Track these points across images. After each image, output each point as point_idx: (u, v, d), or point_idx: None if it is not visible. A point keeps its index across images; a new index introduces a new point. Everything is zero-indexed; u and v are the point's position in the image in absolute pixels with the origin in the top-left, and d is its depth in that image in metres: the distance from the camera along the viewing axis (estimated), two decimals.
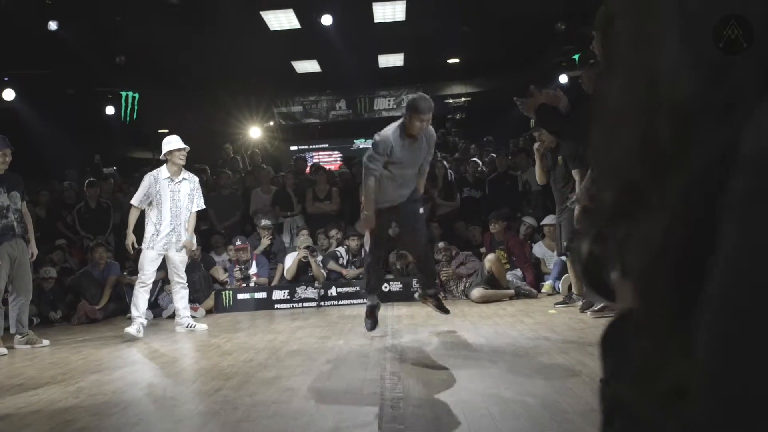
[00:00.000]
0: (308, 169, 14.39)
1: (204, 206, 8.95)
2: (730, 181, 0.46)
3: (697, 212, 0.49)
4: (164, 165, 8.46)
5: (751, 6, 0.49)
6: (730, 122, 0.47)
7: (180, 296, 8.61)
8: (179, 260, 8.55)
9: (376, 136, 6.47)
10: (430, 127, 6.69)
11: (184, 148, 8.43)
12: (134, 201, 8.43)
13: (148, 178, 8.44)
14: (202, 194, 8.81)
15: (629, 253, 0.58)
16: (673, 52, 0.53)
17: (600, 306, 7.51)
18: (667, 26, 0.54)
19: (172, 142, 8.39)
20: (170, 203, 8.34)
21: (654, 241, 0.53)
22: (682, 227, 0.51)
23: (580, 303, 7.92)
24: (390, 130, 6.46)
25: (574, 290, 8.37)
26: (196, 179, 8.75)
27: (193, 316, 9.75)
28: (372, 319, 6.98)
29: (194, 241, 8.96)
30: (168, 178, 8.42)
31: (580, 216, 6.05)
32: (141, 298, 8.29)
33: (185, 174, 8.57)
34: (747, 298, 0.43)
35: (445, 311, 7.01)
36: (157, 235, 8.34)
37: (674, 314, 0.51)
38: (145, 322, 8.33)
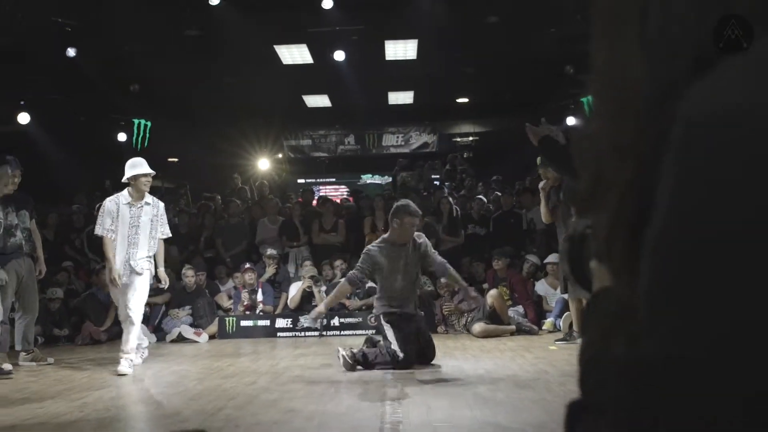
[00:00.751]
0: (315, 201, 14.52)
1: (170, 234, 8.01)
2: (669, 138, 0.58)
3: (644, 188, 0.62)
4: (125, 189, 7.56)
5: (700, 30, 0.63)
6: (669, 108, 0.61)
7: (127, 331, 7.29)
8: (138, 290, 7.39)
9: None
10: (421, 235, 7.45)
11: (149, 174, 7.59)
12: (100, 231, 7.45)
13: (109, 204, 7.49)
14: (167, 221, 7.94)
15: (599, 225, 0.70)
16: (638, 68, 0.67)
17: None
18: (635, 47, 0.68)
19: (137, 166, 7.55)
20: (128, 230, 7.42)
21: (616, 210, 0.66)
22: (634, 194, 0.64)
23: (580, 341, 7.96)
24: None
25: (575, 327, 8.43)
26: (161, 205, 7.88)
27: (195, 341, 9.84)
28: None
29: (164, 272, 7.92)
30: (128, 203, 7.51)
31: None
32: (127, 332, 7.28)
33: (148, 198, 7.66)
34: (677, 231, 0.55)
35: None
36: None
37: (629, 264, 0.64)
38: (134, 357, 7.37)
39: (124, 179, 7.56)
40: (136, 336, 7.31)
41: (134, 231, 7.45)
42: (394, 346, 6.81)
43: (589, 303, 0.84)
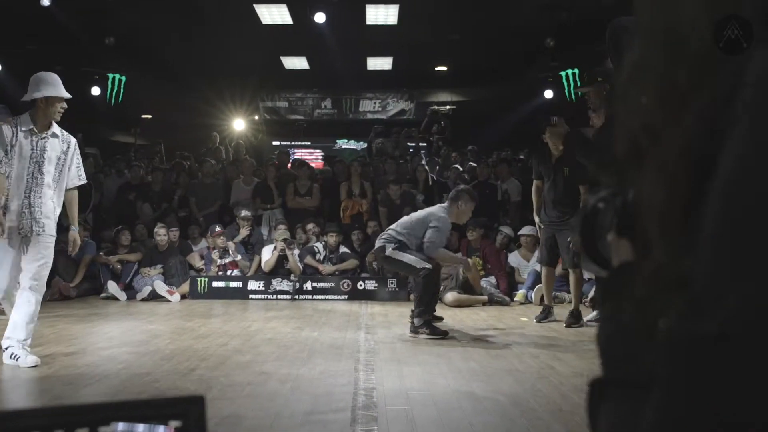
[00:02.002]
0: (289, 164, 14.44)
1: (86, 180, 6.10)
2: (736, 101, 0.55)
3: (705, 141, 0.59)
4: (26, 113, 5.62)
5: None
6: (736, 62, 0.58)
7: (25, 305, 5.37)
8: (44, 256, 5.54)
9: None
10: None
11: (65, 98, 5.71)
12: None
13: (5, 128, 5.49)
14: (82, 163, 5.98)
15: (647, 184, 0.67)
16: (693, 10, 0.64)
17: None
18: None
19: (50, 86, 5.65)
20: (27, 166, 5.48)
21: (671, 168, 0.63)
22: (693, 153, 0.61)
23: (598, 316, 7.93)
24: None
25: (546, 300, 8.29)
26: (73, 140, 5.88)
27: (168, 301, 9.79)
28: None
29: (77, 234, 6.03)
30: (29, 129, 5.55)
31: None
32: (24, 312, 5.37)
33: (56, 129, 5.71)
34: (748, 195, 0.52)
35: (440, 334, 6.85)
36: (5, 212, 5.46)
37: (684, 226, 0.61)
38: (18, 350, 5.34)
39: (27, 98, 5.64)
40: (29, 316, 5.37)
41: (36, 168, 5.51)
42: (417, 264, 6.85)
43: (611, 277, 0.82)
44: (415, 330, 6.81)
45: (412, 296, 9.87)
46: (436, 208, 7.27)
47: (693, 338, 0.53)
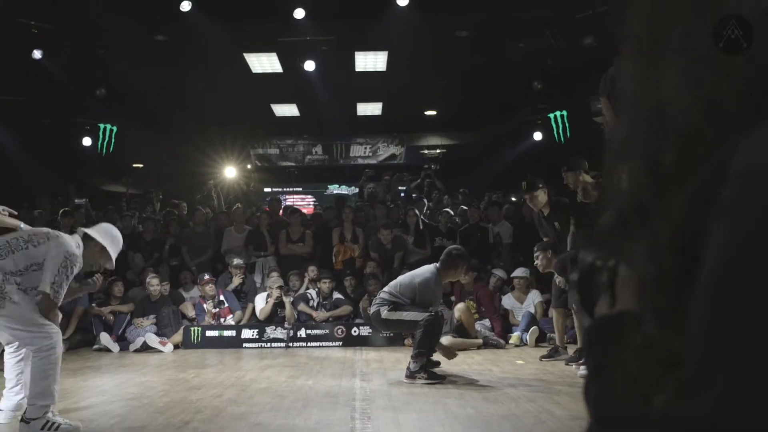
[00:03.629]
0: (281, 211, 14.47)
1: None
2: (720, 193, 0.57)
3: (693, 223, 0.61)
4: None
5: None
6: (722, 147, 0.59)
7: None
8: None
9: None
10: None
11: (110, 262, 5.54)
12: None
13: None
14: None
15: (637, 259, 0.69)
16: (677, 91, 0.66)
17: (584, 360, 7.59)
18: (672, 69, 0.67)
19: (116, 246, 5.52)
20: None
21: (661, 247, 0.64)
22: (681, 234, 0.63)
23: (564, 356, 8.03)
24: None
25: (558, 342, 8.42)
26: None
27: (161, 351, 9.72)
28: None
29: None
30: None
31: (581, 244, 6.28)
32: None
33: None
34: (733, 282, 0.54)
35: (438, 379, 6.90)
36: None
37: (673, 305, 0.62)
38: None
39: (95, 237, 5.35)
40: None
41: None
42: (417, 317, 6.92)
43: (598, 330, 0.83)
44: (411, 375, 6.78)
45: (407, 341, 9.89)
46: (429, 272, 7.34)
47: (684, 422, 0.54)
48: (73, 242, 5.12)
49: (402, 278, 7.44)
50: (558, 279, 8.13)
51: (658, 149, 0.66)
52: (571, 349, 8.27)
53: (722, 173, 0.57)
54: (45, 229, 5.27)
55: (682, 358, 0.57)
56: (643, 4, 0.72)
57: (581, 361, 7.54)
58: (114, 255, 5.47)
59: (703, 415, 0.53)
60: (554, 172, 8.26)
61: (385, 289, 7.36)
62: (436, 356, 7.36)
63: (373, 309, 7.26)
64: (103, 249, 5.34)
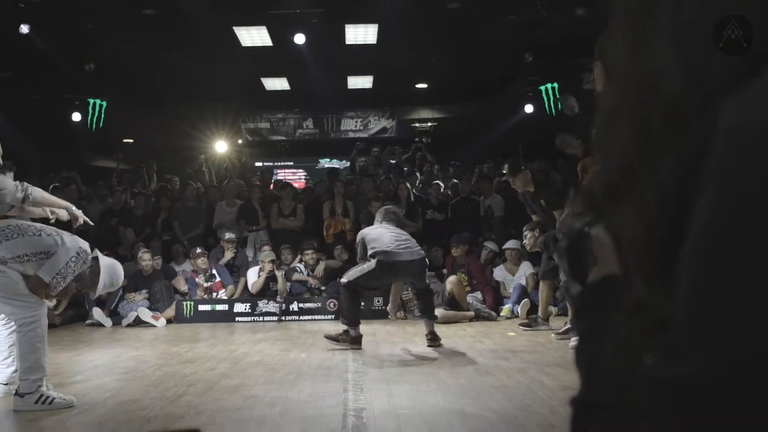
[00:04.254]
0: (272, 185, 14.46)
1: None
2: (708, 154, 0.58)
3: (681, 187, 0.61)
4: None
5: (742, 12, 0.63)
6: (710, 113, 0.60)
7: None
8: None
9: None
10: None
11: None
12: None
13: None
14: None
15: (625, 223, 0.70)
16: (666, 58, 0.66)
17: (564, 329, 7.76)
18: (662, 37, 0.68)
19: (117, 280, 5.56)
20: None
21: (649, 211, 0.65)
22: (669, 199, 0.63)
23: (543, 327, 8.13)
24: None
25: (540, 314, 8.55)
26: None
27: (153, 326, 9.75)
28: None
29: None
30: None
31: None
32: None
33: None
34: (720, 245, 0.55)
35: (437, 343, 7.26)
36: None
37: (661, 268, 0.63)
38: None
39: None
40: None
41: None
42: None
43: (589, 295, 0.84)
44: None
45: (399, 314, 9.95)
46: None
47: (673, 379, 0.55)
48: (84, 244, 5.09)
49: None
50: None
51: (646, 114, 0.67)
52: (555, 323, 8.38)
53: (709, 137, 0.58)
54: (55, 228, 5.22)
55: (670, 320, 0.58)
56: None
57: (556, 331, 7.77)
58: (101, 289, 5.39)
59: (690, 373, 0.54)
60: (546, 145, 8.30)
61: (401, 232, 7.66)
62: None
63: (418, 252, 7.49)
64: (97, 276, 5.26)
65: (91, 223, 5.47)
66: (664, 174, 0.64)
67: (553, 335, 7.84)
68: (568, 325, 7.86)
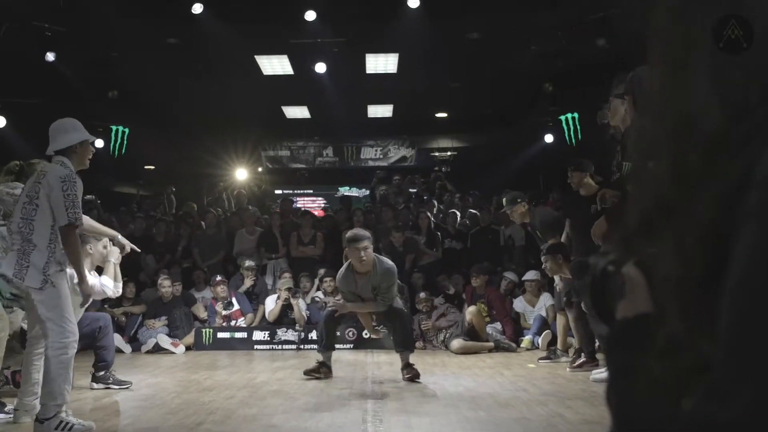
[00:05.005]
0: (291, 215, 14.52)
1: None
2: (746, 197, 0.57)
3: (718, 224, 0.61)
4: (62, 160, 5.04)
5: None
6: (748, 151, 0.60)
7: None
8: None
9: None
10: (385, 259, 7.37)
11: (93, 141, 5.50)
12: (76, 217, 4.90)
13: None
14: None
15: (660, 258, 0.69)
16: (703, 95, 0.66)
17: (579, 362, 7.69)
18: (701, 73, 0.68)
19: (81, 131, 5.23)
20: None
21: (685, 247, 0.65)
22: (707, 235, 0.63)
23: (563, 359, 8.04)
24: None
25: (559, 346, 8.49)
26: None
27: (172, 353, 9.76)
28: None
29: None
30: None
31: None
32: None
33: None
34: (761, 286, 0.54)
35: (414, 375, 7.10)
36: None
37: (698, 305, 0.63)
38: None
39: (67, 145, 5.08)
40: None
41: None
42: None
43: (620, 333, 0.83)
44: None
45: (418, 344, 9.91)
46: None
47: (713, 422, 0.55)
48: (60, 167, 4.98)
49: None
50: (557, 283, 8.24)
51: (683, 150, 0.67)
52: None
53: (748, 177, 0.58)
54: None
55: (710, 361, 0.57)
56: (671, 13, 0.73)
57: (571, 363, 7.70)
58: (84, 135, 5.20)
59: (732, 418, 0.53)
60: (566, 175, 8.28)
61: None
62: (447, 358, 7.41)
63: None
64: (82, 145, 5.16)
65: (138, 249, 5.56)
66: (702, 210, 0.63)
67: (567, 368, 7.78)
68: (582, 359, 7.83)
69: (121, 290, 6.74)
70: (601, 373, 6.79)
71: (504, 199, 8.67)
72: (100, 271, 6.58)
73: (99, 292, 6.47)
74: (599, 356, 7.79)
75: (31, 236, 4.82)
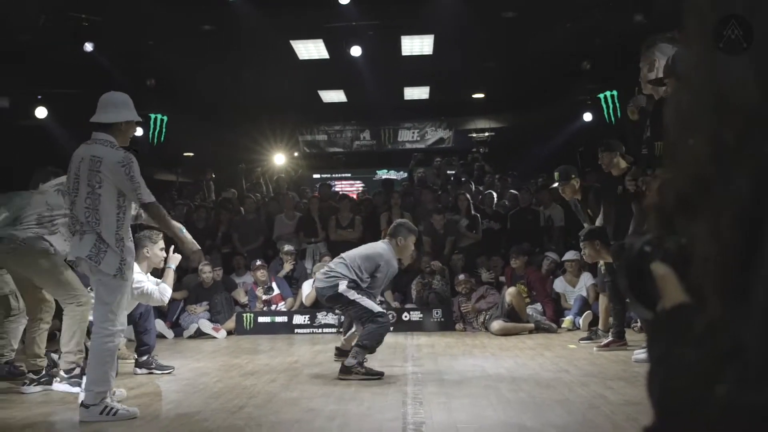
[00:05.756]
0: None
1: None
2: None
3: (756, 203, 0.59)
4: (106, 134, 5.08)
5: None
6: None
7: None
8: None
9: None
10: None
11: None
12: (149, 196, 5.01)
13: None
14: None
15: (698, 238, 0.67)
16: (742, 71, 0.64)
17: (607, 341, 7.67)
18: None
19: (130, 109, 5.28)
20: None
21: (723, 226, 0.62)
22: (744, 214, 0.60)
23: (604, 340, 7.95)
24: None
25: (601, 326, 8.41)
26: None
27: (214, 337, 9.86)
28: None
29: None
30: None
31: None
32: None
33: None
34: None
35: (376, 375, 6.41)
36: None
37: (736, 286, 0.60)
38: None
39: (116, 120, 5.11)
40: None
41: None
42: (373, 308, 6.48)
43: (660, 320, 0.81)
44: (347, 370, 6.34)
45: (458, 326, 9.89)
46: (383, 247, 6.80)
47: (749, 406, 0.53)
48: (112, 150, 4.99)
49: (357, 254, 6.80)
50: (601, 264, 8.16)
51: (721, 127, 0.65)
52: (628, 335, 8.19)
53: None
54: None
55: (744, 344, 0.55)
56: None
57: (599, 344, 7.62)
58: (133, 114, 5.23)
59: (765, 402, 0.51)
60: None
61: (339, 261, 6.74)
62: (487, 340, 7.33)
63: (325, 281, 6.61)
64: (128, 123, 5.19)
65: (198, 247, 5.47)
66: (739, 188, 0.61)
67: (595, 349, 7.74)
68: (610, 338, 7.76)
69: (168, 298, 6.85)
70: (642, 353, 6.71)
71: (556, 174, 8.57)
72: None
73: (158, 300, 6.60)
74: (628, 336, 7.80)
75: (99, 227, 4.84)
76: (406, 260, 7.26)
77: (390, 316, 6.83)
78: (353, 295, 6.45)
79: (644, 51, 5.29)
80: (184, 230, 5.35)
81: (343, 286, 6.45)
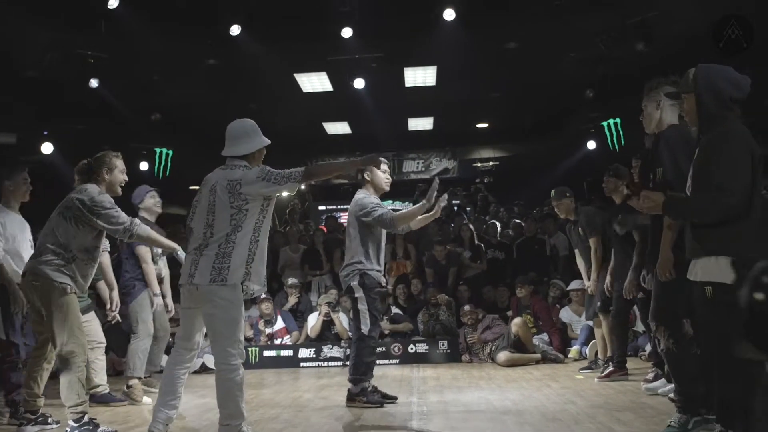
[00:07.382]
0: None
1: None
2: None
3: None
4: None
5: None
6: None
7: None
8: None
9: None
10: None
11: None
12: None
13: None
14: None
15: None
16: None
17: (608, 371, 7.65)
18: None
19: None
20: None
21: None
22: None
23: (606, 369, 7.86)
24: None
25: (599, 355, 8.36)
26: None
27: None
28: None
29: None
30: None
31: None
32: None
33: None
34: None
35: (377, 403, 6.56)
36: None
37: None
38: None
39: (251, 151, 5.35)
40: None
41: None
42: (366, 323, 6.49)
43: None
44: (351, 398, 6.48)
45: (464, 357, 9.84)
46: (357, 197, 7.33)
47: None
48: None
49: (350, 236, 7.18)
50: (590, 289, 8.15)
51: None
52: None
53: None
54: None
55: None
56: None
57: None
58: (265, 140, 5.44)
59: None
60: None
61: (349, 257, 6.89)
62: (493, 371, 7.27)
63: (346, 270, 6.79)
64: (260, 150, 5.46)
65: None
66: None
67: (596, 379, 7.67)
68: (611, 367, 7.69)
69: None
70: (660, 385, 6.59)
71: (552, 192, 8.65)
72: None
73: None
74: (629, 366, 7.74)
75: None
76: (383, 186, 7.51)
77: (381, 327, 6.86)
78: (359, 292, 6.57)
79: (648, 92, 5.31)
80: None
81: (355, 281, 6.61)
